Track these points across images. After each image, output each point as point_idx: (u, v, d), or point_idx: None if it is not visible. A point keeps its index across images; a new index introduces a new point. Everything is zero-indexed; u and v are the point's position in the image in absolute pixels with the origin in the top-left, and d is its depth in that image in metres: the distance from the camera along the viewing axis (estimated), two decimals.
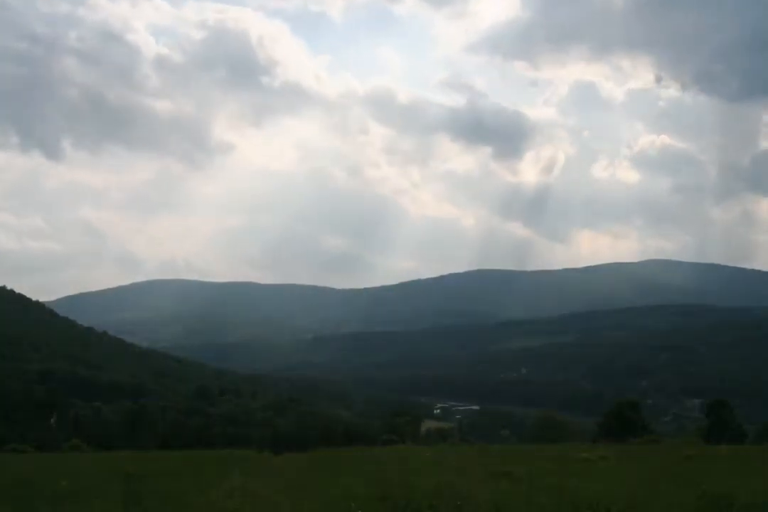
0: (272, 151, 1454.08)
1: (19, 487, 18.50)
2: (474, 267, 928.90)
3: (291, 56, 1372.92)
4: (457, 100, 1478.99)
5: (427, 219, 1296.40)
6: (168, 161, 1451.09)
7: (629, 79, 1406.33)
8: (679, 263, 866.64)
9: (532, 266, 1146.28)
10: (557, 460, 26.35)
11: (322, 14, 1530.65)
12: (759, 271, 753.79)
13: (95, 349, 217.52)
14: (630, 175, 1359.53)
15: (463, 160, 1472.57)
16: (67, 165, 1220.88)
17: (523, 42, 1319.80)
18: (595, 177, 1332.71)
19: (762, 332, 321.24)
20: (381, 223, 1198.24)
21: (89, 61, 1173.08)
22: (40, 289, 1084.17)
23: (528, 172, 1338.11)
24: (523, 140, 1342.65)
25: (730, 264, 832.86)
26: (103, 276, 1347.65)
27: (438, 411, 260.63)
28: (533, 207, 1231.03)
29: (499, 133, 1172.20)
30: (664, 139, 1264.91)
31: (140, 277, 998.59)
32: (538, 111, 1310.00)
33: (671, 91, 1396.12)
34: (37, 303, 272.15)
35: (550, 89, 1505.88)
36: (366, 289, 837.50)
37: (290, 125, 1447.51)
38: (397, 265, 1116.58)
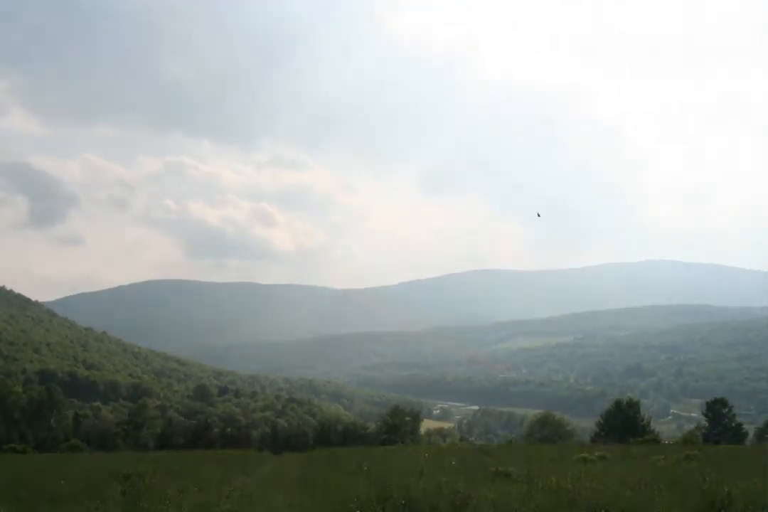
0: None
1: (18, 487, 18.46)
2: (474, 268, 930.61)
3: None
4: None
5: None
6: None
7: None
8: (679, 263, 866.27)
9: (531, 266, 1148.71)
10: (556, 460, 26.32)
11: None
12: (759, 271, 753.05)
13: (94, 349, 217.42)
14: None
15: None
16: None
17: None
18: None
19: (761, 332, 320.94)
20: None
21: None
22: (40, 289, 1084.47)
23: None
24: None
25: (729, 264, 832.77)
26: (103, 276, 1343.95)
27: (438, 411, 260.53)
28: None
29: None
30: None
31: (140, 278, 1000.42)
32: None
33: None
34: (37, 303, 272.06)
35: None
36: (366, 289, 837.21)
37: None
38: None
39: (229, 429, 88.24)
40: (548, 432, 73.27)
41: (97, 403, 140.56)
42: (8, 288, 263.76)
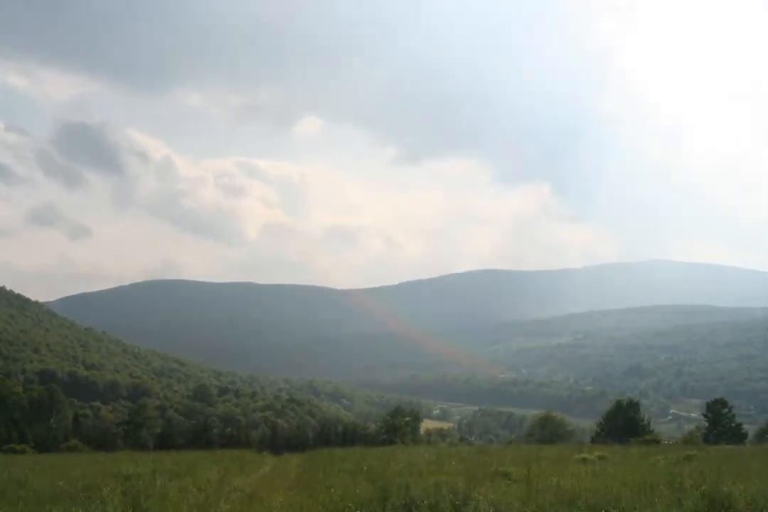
0: None
1: (17, 487, 18.46)
2: (474, 268, 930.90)
3: None
4: None
5: None
6: None
7: None
8: (679, 263, 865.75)
9: (532, 266, 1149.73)
10: (556, 461, 26.30)
11: None
12: (759, 272, 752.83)
13: (94, 349, 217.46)
14: None
15: None
16: None
17: None
18: None
19: (761, 332, 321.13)
20: None
21: None
22: (41, 289, 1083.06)
23: None
24: None
25: (729, 264, 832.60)
26: (103, 277, 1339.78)
27: (438, 411, 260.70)
28: None
29: None
30: None
31: (140, 277, 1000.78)
32: None
33: None
34: (37, 303, 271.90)
35: None
36: (366, 289, 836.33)
37: None
38: None
39: (228, 429, 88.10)
40: (548, 432, 73.20)
41: (97, 403, 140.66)
42: (8, 288, 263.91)
